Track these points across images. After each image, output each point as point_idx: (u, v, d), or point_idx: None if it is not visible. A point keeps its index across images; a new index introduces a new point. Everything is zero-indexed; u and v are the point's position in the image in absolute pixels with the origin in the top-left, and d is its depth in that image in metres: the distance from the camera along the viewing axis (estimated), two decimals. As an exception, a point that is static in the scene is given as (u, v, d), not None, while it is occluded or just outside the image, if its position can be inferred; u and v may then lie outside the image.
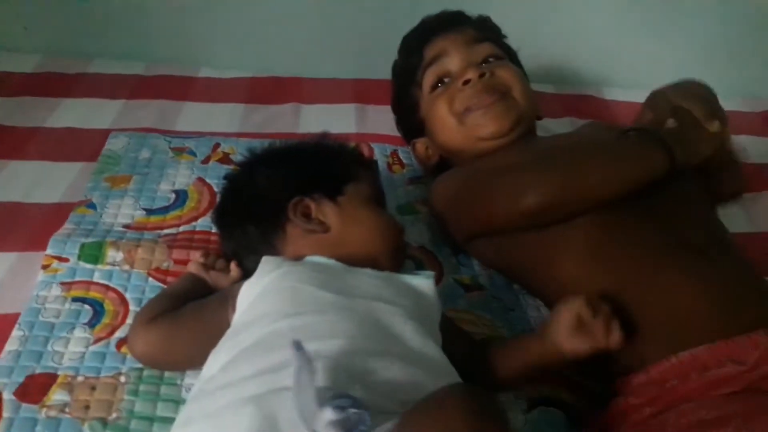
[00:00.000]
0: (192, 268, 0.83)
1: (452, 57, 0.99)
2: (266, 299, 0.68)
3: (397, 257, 0.82)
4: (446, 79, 0.99)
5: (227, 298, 0.72)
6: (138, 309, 0.84)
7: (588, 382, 0.80)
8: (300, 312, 0.65)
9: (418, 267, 0.93)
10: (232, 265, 0.80)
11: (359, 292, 0.68)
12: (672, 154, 0.77)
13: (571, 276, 0.79)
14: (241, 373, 0.59)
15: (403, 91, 1.05)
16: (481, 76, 0.95)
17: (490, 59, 1.00)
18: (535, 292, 0.89)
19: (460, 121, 0.96)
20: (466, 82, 0.96)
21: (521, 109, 0.96)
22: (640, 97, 1.45)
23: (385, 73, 1.14)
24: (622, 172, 0.79)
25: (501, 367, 0.75)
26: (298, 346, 0.51)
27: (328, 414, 0.48)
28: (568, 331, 0.71)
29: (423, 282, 0.74)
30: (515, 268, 0.90)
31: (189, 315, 0.75)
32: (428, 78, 1.00)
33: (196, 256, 0.85)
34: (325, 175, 0.82)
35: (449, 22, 1.03)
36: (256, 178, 0.84)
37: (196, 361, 0.70)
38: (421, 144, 1.06)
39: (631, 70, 1.46)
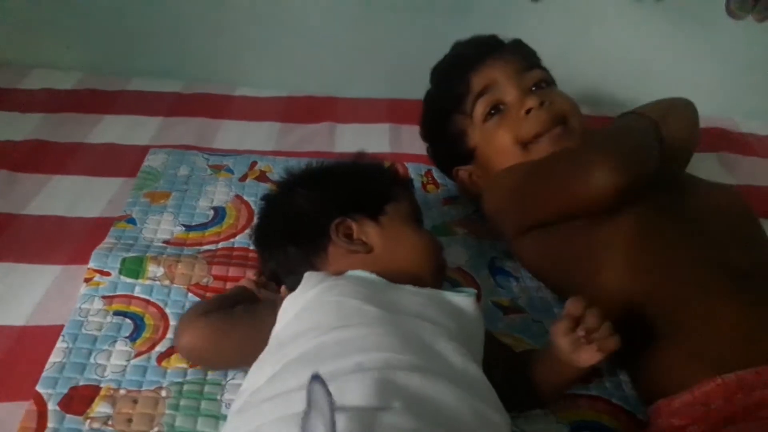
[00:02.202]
0: (245, 282, 0.84)
1: (505, 86, 0.98)
2: (311, 313, 0.68)
3: (438, 275, 0.82)
4: (501, 107, 0.98)
5: (277, 307, 0.73)
6: (177, 323, 0.85)
7: (630, 407, 0.79)
8: (345, 325, 0.65)
9: (456, 288, 0.93)
10: (283, 289, 0.80)
11: (403, 309, 0.69)
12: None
13: (614, 289, 0.79)
14: (287, 386, 0.59)
15: (445, 120, 1.03)
16: (542, 104, 0.96)
17: (542, 85, 1.00)
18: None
19: (525, 148, 0.96)
20: (528, 111, 0.96)
21: (578, 136, 0.96)
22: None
23: (418, 93, 1.14)
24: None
25: (540, 382, 0.75)
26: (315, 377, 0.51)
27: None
28: (573, 354, 0.70)
29: (465, 300, 0.74)
30: (557, 270, 0.90)
31: (241, 315, 0.76)
32: (480, 107, 0.99)
33: (250, 273, 0.87)
34: (365, 195, 0.83)
35: (488, 48, 1.03)
36: (295, 199, 0.84)
37: (240, 362, 0.73)
38: (465, 172, 1.05)
39: (667, 92, 1.45)
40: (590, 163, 0.81)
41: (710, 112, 1.45)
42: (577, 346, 0.70)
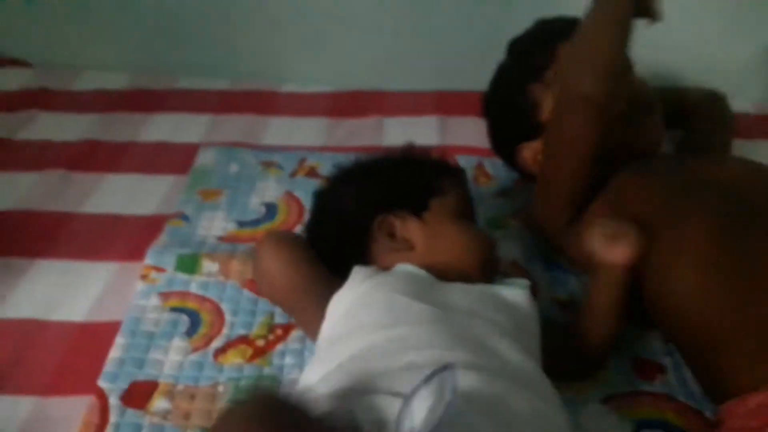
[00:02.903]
0: None
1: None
2: (360, 310, 0.68)
3: (486, 271, 0.80)
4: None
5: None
6: (233, 319, 0.86)
7: (696, 405, 0.76)
8: (395, 323, 0.64)
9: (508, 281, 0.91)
10: None
11: (454, 306, 0.67)
12: None
13: (684, 291, 0.76)
14: (339, 383, 0.59)
15: (519, 90, 1.00)
16: None
17: None
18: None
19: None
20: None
21: None
22: (739, 106, 1.40)
23: (466, 84, 1.12)
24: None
25: (590, 326, 0.77)
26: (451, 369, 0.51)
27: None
28: (605, 246, 0.76)
29: (518, 293, 0.72)
30: None
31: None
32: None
33: None
34: (410, 190, 0.81)
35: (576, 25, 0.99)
36: (341, 196, 0.84)
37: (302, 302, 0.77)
38: (529, 150, 1.00)
39: (730, 79, 1.40)
40: (568, 96, 0.85)
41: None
42: (609, 243, 0.75)
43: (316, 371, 0.64)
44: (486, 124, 1.09)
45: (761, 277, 0.73)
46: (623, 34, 0.85)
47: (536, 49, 1.01)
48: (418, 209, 0.79)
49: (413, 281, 0.71)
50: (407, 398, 0.49)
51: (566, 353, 0.76)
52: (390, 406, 0.52)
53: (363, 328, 0.65)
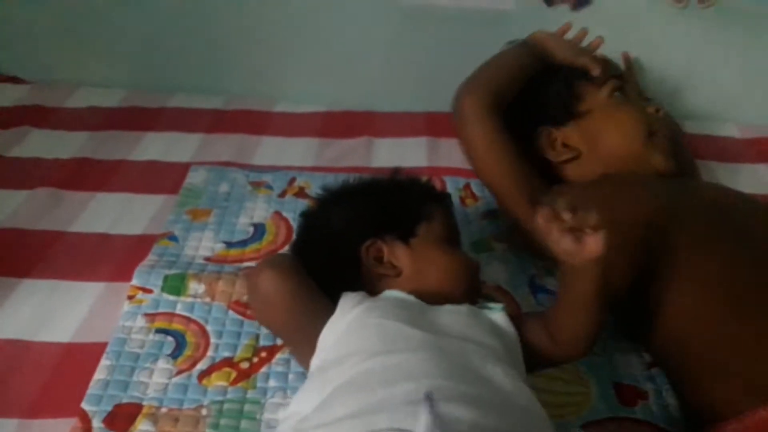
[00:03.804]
0: None
1: (631, 83, 1.08)
2: (353, 336, 0.68)
3: (470, 295, 0.80)
4: (618, 94, 1.02)
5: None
6: (218, 341, 0.86)
7: (676, 431, 0.77)
8: (390, 350, 0.64)
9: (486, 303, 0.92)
10: None
11: (446, 330, 0.68)
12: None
13: (678, 321, 0.78)
14: (335, 414, 0.59)
15: (566, 80, 1.02)
16: (658, 111, 1.02)
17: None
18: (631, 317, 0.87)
19: (650, 137, 0.99)
20: (657, 111, 1.02)
21: None
22: (724, 130, 1.41)
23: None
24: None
25: (568, 321, 0.73)
26: (430, 400, 0.52)
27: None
28: (569, 246, 0.66)
29: (498, 316, 0.73)
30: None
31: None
32: (613, 84, 1.01)
33: None
34: (398, 216, 0.81)
35: None
36: (330, 219, 0.84)
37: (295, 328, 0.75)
38: (558, 133, 1.02)
39: (711, 99, 1.42)
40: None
41: (758, 121, 1.42)
42: (573, 242, 0.66)
43: (310, 399, 0.64)
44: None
45: (759, 306, 0.74)
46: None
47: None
48: (405, 235, 0.80)
49: (403, 306, 0.71)
50: None
51: (544, 343, 0.74)
52: None
53: (357, 354, 0.65)
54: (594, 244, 0.65)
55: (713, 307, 0.78)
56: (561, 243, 0.66)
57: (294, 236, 0.95)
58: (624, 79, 1.06)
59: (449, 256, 0.80)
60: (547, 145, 1.01)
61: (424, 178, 0.92)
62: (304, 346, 0.73)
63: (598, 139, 1.00)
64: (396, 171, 0.91)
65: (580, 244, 0.65)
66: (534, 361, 0.72)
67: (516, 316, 0.75)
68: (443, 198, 0.90)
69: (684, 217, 0.85)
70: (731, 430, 0.70)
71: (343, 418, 0.57)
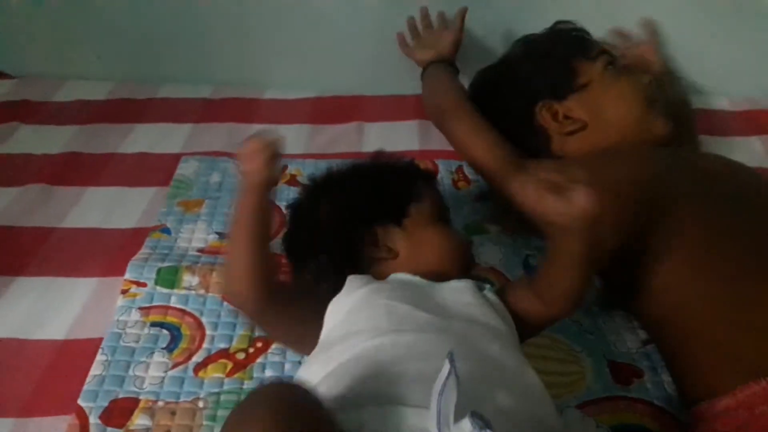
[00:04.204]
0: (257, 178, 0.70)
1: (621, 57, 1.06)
2: (360, 314, 0.67)
3: (464, 272, 0.80)
4: (611, 67, 1.03)
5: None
6: (214, 333, 0.86)
7: (672, 409, 0.77)
8: (400, 329, 0.64)
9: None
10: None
11: (453, 312, 0.68)
12: None
13: (666, 289, 0.79)
14: (344, 383, 0.59)
15: (561, 57, 1.03)
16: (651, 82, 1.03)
17: None
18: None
19: (650, 105, 1.00)
20: (651, 82, 1.03)
21: None
22: (715, 103, 1.41)
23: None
24: None
25: (556, 275, 0.71)
26: (451, 358, 0.51)
27: (467, 426, 0.48)
28: (552, 203, 0.64)
29: (493, 297, 0.73)
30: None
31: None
32: (606, 58, 1.03)
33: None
34: (388, 199, 0.82)
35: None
36: (320, 209, 0.83)
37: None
38: (558, 107, 1.02)
39: (699, 73, 1.41)
40: None
41: (749, 93, 1.41)
42: (557, 199, 0.63)
43: (314, 372, 0.64)
44: (492, 86, 1.10)
45: (754, 279, 0.74)
46: None
47: (584, 33, 1.07)
48: (398, 217, 0.80)
49: (409, 288, 0.72)
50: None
51: (532, 305, 0.73)
52: (406, 417, 0.54)
53: (365, 331, 0.65)
54: (582, 198, 0.63)
55: (707, 277, 0.78)
56: (542, 201, 0.63)
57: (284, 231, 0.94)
58: (613, 54, 1.05)
59: (443, 233, 0.81)
60: (549, 119, 1.01)
61: (407, 159, 0.92)
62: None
63: (600, 109, 1.00)
64: (378, 154, 0.90)
65: (566, 201, 0.63)
66: (523, 326, 0.72)
67: (500, 289, 0.75)
68: (429, 176, 0.90)
69: (681, 186, 0.85)
70: (724, 406, 0.70)
71: (352, 387, 0.58)
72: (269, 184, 0.71)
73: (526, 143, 1.01)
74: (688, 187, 0.85)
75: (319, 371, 0.63)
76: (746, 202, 0.85)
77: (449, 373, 0.50)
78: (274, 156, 0.69)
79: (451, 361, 0.51)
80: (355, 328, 0.66)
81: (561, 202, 0.63)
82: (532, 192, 0.64)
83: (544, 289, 0.72)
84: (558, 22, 1.09)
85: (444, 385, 0.50)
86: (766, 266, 0.76)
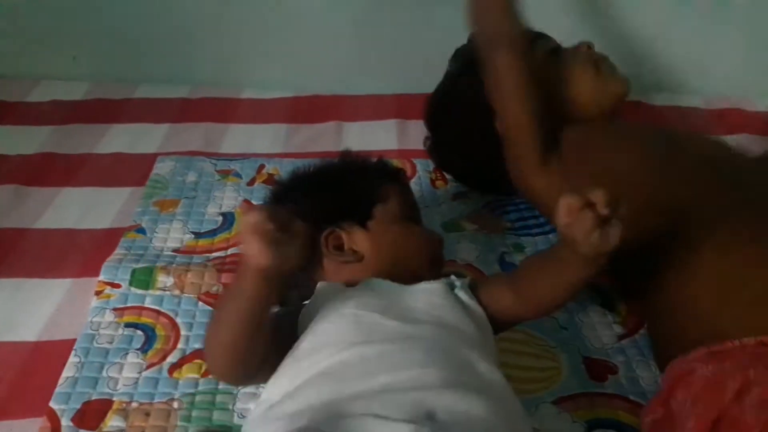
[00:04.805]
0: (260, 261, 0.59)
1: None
2: (327, 326, 0.66)
3: (434, 269, 0.80)
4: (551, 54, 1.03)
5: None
6: (188, 333, 0.85)
7: (646, 402, 0.78)
8: (367, 341, 0.63)
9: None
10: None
11: (422, 317, 0.67)
12: None
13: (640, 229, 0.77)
14: (308, 401, 0.58)
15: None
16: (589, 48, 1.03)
17: None
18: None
19: (598, 72, 1.01)
20: (590, 47, 1.03)
21: None
22: (689, 101, 1.43)
23: (424, 87, 1.13)
24: None
25: (546, 285, 0.70)
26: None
27: None
28: (587, 237, 0.61)
29: (464, 296, 0.72)
30: None
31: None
32: (542, 47, 1.02)
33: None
34: (353, 201, 0.80)
35: None
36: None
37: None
38: None
39: (681, 74, 1.43)
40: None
41: (726, 92, 1.43)
42: (593, 234, 0.60)
43: (283, 386, 0.63)
44: (446, 111, 1.09)
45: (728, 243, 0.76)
46: None
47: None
48: (362, 219, 0.79)
49: (377, 295, 0.70)
50: None
51: (509, 304, 0.72)
52: (369, 428, 0.53)
53: (333, 345, 0.64)
54: (614, 237, 0.61)
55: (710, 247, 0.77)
56: (591, 237, 0.60)
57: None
58: (548, 38, 1.06)
59: (408, 232, 0.80)
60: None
61: (377, 158, 0.90)
62: None
63: (556, 92, 0.99)
64: (345, 153, 0.90)
65: (603, 236, 0.60)
66: (496, 322, 0.71)
67: (474, 284, 0.74)
68: (397, 175, 0.89)
69: (679, 172, 0.86)
70: (692, 357, 0.69)
71: (316, 407, 0.57)
72: (274, 273, 0.60)
73: (495, 154, 0.98)
74: (688, 172, 0.86)
75: (287, 385, 0.62)
76: (738, 175, 0.87)
77: None
78: (280, 237, 0.58)
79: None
80: (323, 339, 0.65)
81: (597, 237, 0.60)
82: (587, 223, 0.60)
83: (526, 290, 0.71)
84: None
85: None
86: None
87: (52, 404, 0.76)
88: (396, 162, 1.04)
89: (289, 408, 0.59)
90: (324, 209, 0.79)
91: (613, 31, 1.42)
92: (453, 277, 0.75)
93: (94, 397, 0.77)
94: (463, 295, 0.72)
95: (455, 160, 1.11)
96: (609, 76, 1.01)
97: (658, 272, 0.79)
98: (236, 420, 0.75)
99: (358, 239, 0.78)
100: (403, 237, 0.79)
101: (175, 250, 0.99)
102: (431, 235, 0.84)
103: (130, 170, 1.18)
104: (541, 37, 1.04)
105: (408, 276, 0.74)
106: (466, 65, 1.05)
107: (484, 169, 1.07)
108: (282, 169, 1.16)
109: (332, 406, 0.57)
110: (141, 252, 0.98)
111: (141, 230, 1.02)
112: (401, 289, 0.72)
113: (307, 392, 0.60)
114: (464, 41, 1.09)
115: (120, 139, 1.29)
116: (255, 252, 0.57)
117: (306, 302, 0.72)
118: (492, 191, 1.12)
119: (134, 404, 0.77)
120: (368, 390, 0.57)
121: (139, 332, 0.85)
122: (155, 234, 1.02)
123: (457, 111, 1.06)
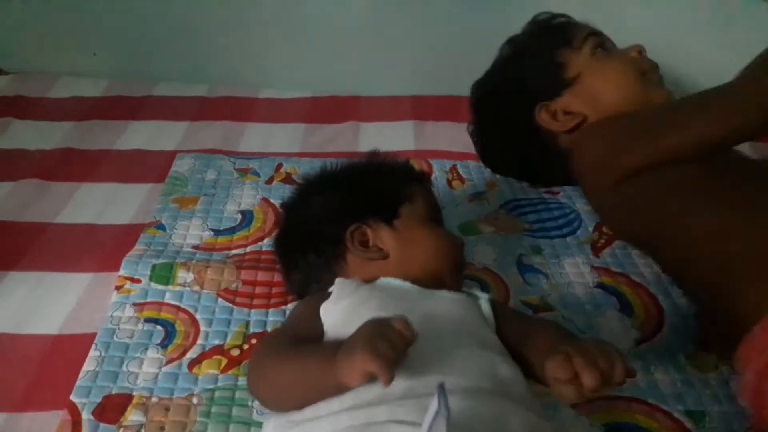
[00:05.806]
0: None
1: (606, 40, 1.06)
2: (349, 327, 0.64)
3: (456, 273, 0.81)
4: (599, 50, 1.03)
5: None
6: (208, 329, 0.86)
7: (666, 406, 0.77)
8: None
9: (483, 288, 0.92)
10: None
11: (444, 322, 0.67)
12: None
13: (704, 234, 0.81)
14: (331, 408, 0.59)
15: (547, 52, 1.03)
16: (640, 53, 1.03)
17: None
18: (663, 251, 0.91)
19: (643, 79, 1.01)
20: (640, 53, 1.02)
21: None
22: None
23: (442, 89, 1.13)
24: None
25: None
26: (441, 391, 0.49)
27: None
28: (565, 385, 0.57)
29: (485, 306, 0.73)
30: (647, 220, 0.90)
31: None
32: (591, 42, 1.03)
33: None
34: (380, 199, 0.81)
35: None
36: (311, 207, 0.83)
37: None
38: (551, 108, 1.02)
39: (691, 77, 1.41)
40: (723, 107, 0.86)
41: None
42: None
43: None
44: (489, 97, 1.09)
45: None
46: None
47: (559, 21, 1.08)
48: (388, 217, 0.80)
49: (399, 296, 0.71)
50: None
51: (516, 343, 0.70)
52: None
53: None
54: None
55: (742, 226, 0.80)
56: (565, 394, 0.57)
57: (277, 230, 0.94)
58: (601, 35, 1.06)
59: (434, 233, 0.81)
60: (549, 120, 1.02)
61: (403, 159, 0.92)
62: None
63: (597, 97, 1.00)
64: (373, 154, 0.90)
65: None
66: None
67: (498, 306, 0.75)
68: (423, 177, 0.90)
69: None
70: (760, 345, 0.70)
71: (339, 412, 0.57)
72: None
73: (535, 146, 1.03)
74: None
75: None
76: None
77: (437, 412, 0.48)
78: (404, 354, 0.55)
79: (440, 396, 0.49)
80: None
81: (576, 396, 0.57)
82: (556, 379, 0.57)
83: (521, 352, 0.69)
84: (538, 14, 1.09)
85: (431, 426, 0.49)
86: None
87: (73, 398, 0.76)
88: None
89: (312, 413, 0.60)
90: (351, 205, 0.80)
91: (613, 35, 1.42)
92: (476, 291, 0.76)
93: (114, 392, 0.77)
94: (485, 308, 0.72)
95: (496, 146, 1.12)
96: (652, 85, 1.01)
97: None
98: (255, 416, 0.75)
99: (384, 236, 0.78)
100: (428, 238, 0.79)
101: (195, 247, 0.99)
102: (454, 239, 0.84)
103: (149, 167, 1.19)
104: (595, 34, 1.04)
105: (429, 279, 0.75)
106: (518, 54, 1.07)
107: (524, 157, 1.08)
108: (300, 169, 1.17)
109: (354, 411, 0.57)
110: (161, 248, 0.98)
111: (161, 226, 1.03)
112: (422, 293, 0.72)
113: (329, 399, 0.60)
114: (481, 44, 1.09)
115: (139, 135, 1.30)
116: (379, 369, 0.53)
117: (329, 290, 0.73)
118: (528, 180, 1.13)
119: (154, 399, 0.77)
120: (390, 393, 0.57)
121: (159, 327, 0.86)
122: (175, 230, 1.02)
123: (503, 97, 1.07)
